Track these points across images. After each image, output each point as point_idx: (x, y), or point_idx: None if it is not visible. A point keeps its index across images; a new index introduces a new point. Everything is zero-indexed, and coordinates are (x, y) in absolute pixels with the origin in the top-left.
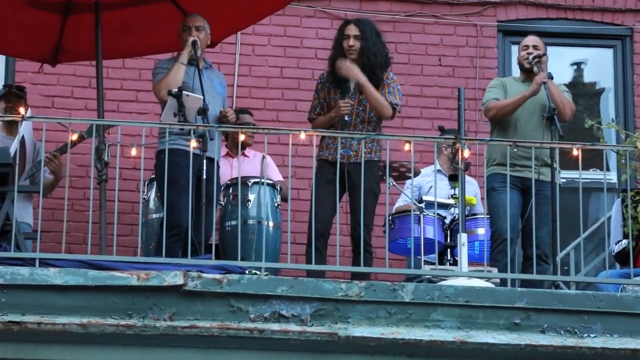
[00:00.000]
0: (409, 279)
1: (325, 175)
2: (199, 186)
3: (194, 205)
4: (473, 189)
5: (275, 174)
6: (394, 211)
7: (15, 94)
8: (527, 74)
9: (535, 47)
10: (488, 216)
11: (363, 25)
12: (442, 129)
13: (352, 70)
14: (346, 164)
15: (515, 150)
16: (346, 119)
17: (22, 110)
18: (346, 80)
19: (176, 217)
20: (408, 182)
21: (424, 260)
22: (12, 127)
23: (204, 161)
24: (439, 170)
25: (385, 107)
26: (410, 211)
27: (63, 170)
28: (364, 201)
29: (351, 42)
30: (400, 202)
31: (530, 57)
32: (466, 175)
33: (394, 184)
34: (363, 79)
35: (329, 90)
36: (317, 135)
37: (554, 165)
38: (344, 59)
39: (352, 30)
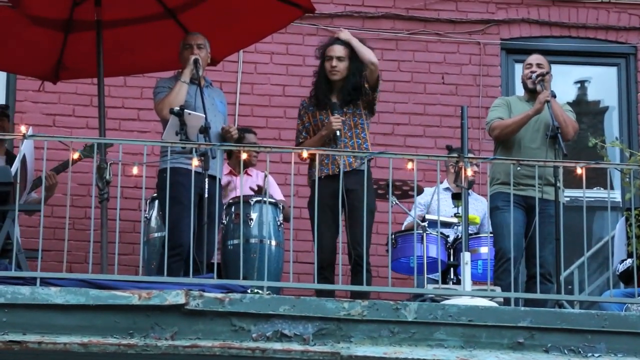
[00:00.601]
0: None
1: (321, 199)
2: (201, 205)
3: (196, 224)
4: (482, 207)
5: (277, 193)
6: (403, 228)
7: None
8: (531, 93)
9: (539, 65)
10: (492, 235)
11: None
12: (449, 148)
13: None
14: (343, 173)
15: (518, 169)
16: (337, 134)
17: (23, 128)
18: (328, 100)
19: (178, 237)
20: (417, 199)
21: (428, 279)
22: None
23: (206, 179)
24: (446, 188)
25: (374, 61)
26: (412, 230)
27: (55, 188)
28: (361, 219)
29: (334, 63)
30: (409, 220)
31: (534, 75)
32: (475, 194)
33: (397, 202)
34: (355, 39)
35: (313, 113)
36: (318, 153)
37: (558, 184)
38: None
39: (336, 51)
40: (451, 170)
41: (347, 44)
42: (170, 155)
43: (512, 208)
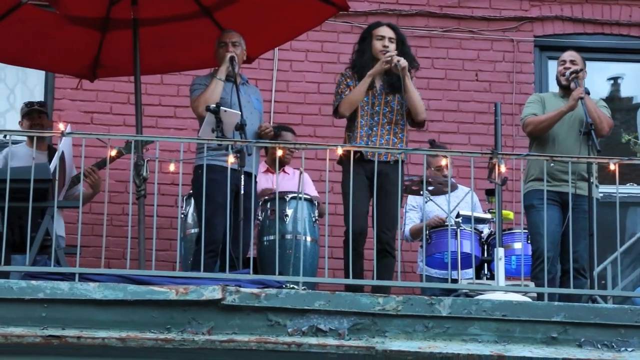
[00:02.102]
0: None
1: (357, 174)
2: (237, 201)
3: (232, 220)
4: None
5: (312, 191)
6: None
7: (37, 110)
8: (565, 89)
9: (572, 62)
10: (526, 231)
11: (397, 29)
12: (432, 143)
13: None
14: (377, 162)
15: (552, 165)
16: (393, 64)
17: (61, 126)
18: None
19: (212, 233)
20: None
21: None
22: (38, 141)
23: (242, 176)
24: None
25: (423, 111)
26: (446, 225)
27: (100, 184)
28: (394, 204)
29: (386, 43)
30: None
31: (567, 72)
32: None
33: (431, 198)
34: (408, 78)
35: (352, 86)
36: (353, 150)
37: (591, 180)
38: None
39: (386, 32)
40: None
41: (395, 29)
42: (207, 152)
43: (546, 206)
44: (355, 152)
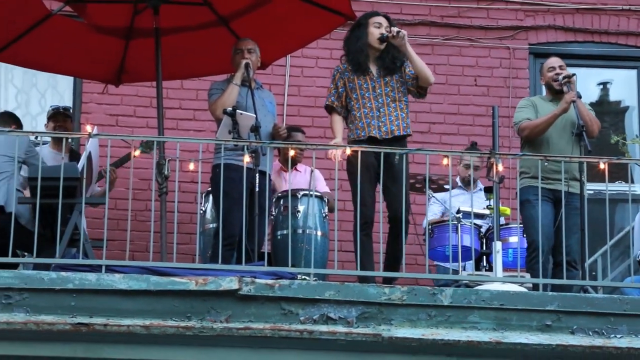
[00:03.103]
0: (447, 284)
1: (363, 161)
2: (252, 198)
3: (248, 215)
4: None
5: (323, 186)
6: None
7: (62, 114)
8: (556, 93)
9: (561, 67)
10: (521, 225)
11: (390, 20)
12: (474, 144)
13: (405, 39)
14: (389, 139)
15: (546, 164)
16: (393, 34)
17: (88, 128)
18: (362, 64)
19: (230, 228)
20: (439, 195)
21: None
22: (61, 144)
23: (257, 175)
24: (459, 186)
25: (431, 74)
26: (448, 221)
27: (115, 182)
28: (404, 185)
29: (383, 30)
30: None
31: (560, 77)
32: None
33: (433, 195)
34: (411, 49)
35: (349, 78)
36: (353, 153)
37: (582, 179)
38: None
39: (383, 21)
40: (458, 168)
41: (389, 20)
42: (224, 152)
43: (540, 201)
44: (368, 136)
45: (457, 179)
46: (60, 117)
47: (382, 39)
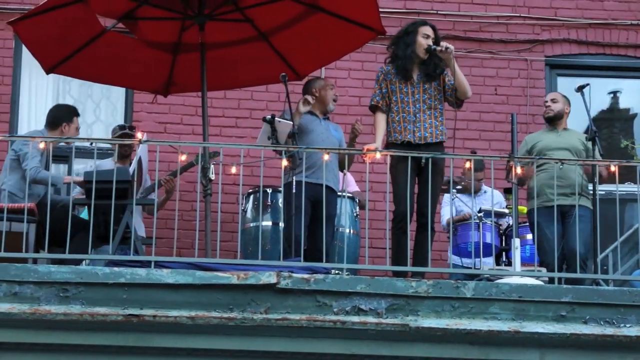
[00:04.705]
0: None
1: (402, 160)
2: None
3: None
4: (498, 200)
5: (354, 186)
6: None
7: (128, 135)
8: (549, 121)
9: (553, 100)
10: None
11: (436, 31)
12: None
13: (452, 53)
14: (422, 144)
15: (561, 167)
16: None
17: (139, 135)
18: (408, 70)
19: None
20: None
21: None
22: (125, 158)
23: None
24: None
25: (469, 89)
26: (471, 219)
27: (174, 190)
28: (437, 186)
29: (430, 42)
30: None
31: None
32: (491, 190)
33: (457, 196)
34: (455, 63)
35: (391, 80)
36: (391, 154)
37: (595, 180)
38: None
39: (431, 32)
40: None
41: (435, 30)
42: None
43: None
44: (403, 141)
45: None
46: (126, 137)
47: (429, 50)
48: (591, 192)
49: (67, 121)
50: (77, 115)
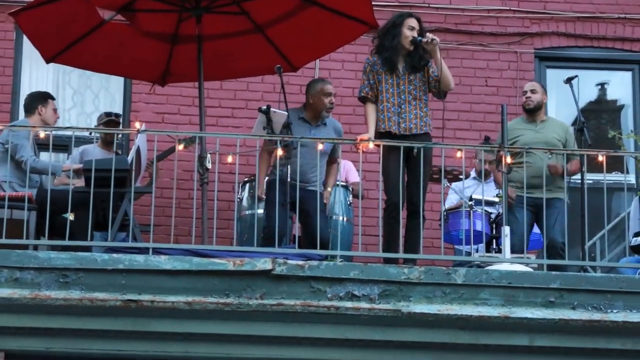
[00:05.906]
0: (459, 264)
1: (392, 151)
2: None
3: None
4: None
5: (355, 177)
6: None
7: (113, 122)
8: (529, 113)
9: (532, 91)
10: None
11: (421, 22)
12: (487, 139)
13: (437, 46)
14: (408, 135)
15: (550, 157)
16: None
17: (137, 124)
18: (394, 61)
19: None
20: (454, 184)
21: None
22: (109, 145)
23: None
24: (474, 177)
25: (452, 81)
26: (462, 208)
27: (159, 174)
28: (425, 176)
29: (415, 34)
30: (452, 201)
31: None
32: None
33: (448, 184)
34: (440, 55)
35: (377, 72)
36: (382, 145)
37: (583, 169)
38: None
39: (416, 25)
40: (474, 161)
41: (420, 22)
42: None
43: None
44: (388, 131)
45: (472, 171)
46: (112, 124)
47: (414, 42)
48: (565, 185)
49: (41, 104)
50: (52, 98)
